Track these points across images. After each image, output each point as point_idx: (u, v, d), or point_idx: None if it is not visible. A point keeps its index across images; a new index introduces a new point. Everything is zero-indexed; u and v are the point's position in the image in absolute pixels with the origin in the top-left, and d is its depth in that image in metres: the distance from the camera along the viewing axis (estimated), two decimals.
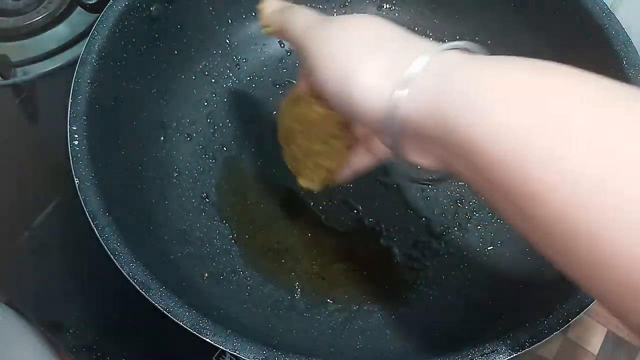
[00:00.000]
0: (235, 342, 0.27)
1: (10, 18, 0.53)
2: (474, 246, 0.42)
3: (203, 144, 0.45)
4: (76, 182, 0.32)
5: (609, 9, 0.39)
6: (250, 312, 0.38)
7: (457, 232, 0.43)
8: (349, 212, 0.43)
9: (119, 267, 0.29)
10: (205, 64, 0.47)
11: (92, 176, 0.32)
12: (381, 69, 0.24)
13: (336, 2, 0.50)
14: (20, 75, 0.50)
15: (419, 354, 0.35)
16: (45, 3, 0.54)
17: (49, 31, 0.53)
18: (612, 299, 0.19)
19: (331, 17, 0.28)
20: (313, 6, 0.50)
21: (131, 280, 0.29)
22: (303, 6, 0.30)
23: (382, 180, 0.44)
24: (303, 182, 0.34)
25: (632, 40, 0.38)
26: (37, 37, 0.52)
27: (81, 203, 0.31)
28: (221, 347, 0.27)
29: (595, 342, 0.45)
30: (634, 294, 0.17)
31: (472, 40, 0.51)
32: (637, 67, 0.37)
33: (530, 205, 0.19)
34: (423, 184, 0.44)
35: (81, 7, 0.51)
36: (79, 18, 0.53)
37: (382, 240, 0.42)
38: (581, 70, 0.20)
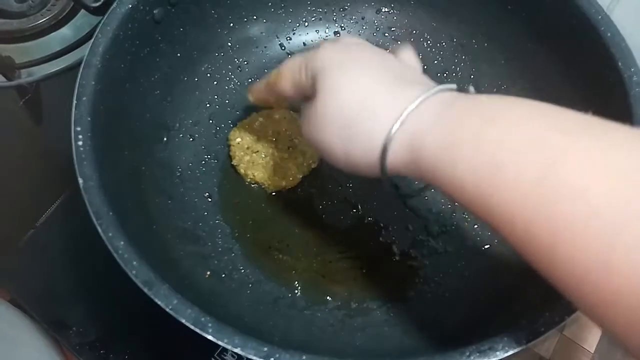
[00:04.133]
0: (236, 340, 0.28)
1: (15, 20, 0.53)
2: (471, 245, 0.42)
3: (205, 144, 0.45)
4: (80, 182, 0.32)
5: (604, 11, 0.39)
6: (252, 310, 0.38)
7: (454, 231, 0.43)
8: (349, 211, 0.44)
9: (122, 265, 0.29)
10: (208, 66, 0.47)
11: (96, 176, 0.32)
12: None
13: (336, 6, 0.50)
14: (25, 76, 0.50)
15: (418, 350, 0.35)
16: (49, 6, 0.54)
17: (53, 33, 0.53)
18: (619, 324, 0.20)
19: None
20: (314, 10, 0.50)
21: (134, 279, 0.29)
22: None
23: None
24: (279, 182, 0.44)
25: (628, 42, 0.38)
26: (41, 39, 0.53)
27: (85, 203, 0.31)
28: (223, 344, 0.28)
29: (591, 339, 0.45)
30: None
31: (470, 42, 0.50)
32: (632, 69, 0.37)
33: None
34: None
35: (85, 9, 0.51)
36: (82, 21, 0.54)
37: (381, 239, 0.43)
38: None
